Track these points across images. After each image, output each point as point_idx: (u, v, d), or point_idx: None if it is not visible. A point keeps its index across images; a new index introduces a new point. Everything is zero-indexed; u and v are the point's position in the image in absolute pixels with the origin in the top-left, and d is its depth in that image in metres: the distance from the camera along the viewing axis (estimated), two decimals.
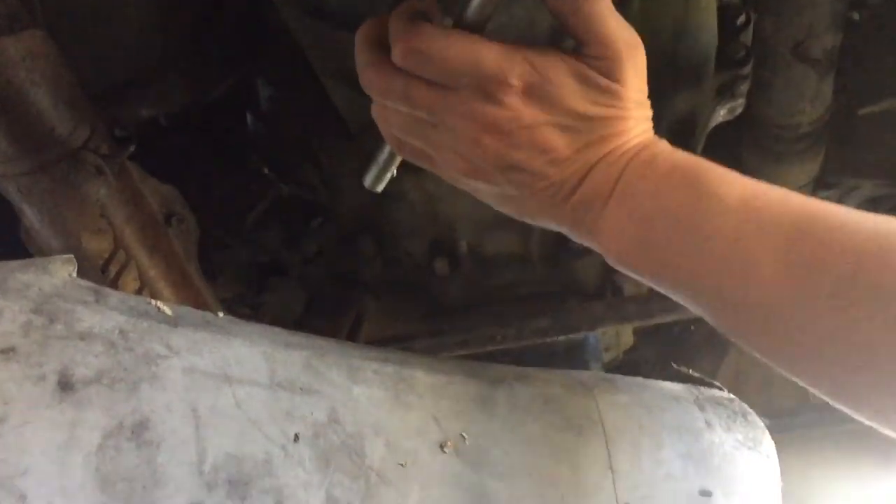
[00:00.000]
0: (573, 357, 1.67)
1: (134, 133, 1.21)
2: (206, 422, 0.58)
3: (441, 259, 1.38)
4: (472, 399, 0.76)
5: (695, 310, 0.67)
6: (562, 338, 1.41)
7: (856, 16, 1.55)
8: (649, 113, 0.71)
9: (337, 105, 1.09)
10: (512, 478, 0.72)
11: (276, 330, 0.72)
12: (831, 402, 0.60)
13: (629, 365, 2.07)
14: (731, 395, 0.90)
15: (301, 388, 0.65)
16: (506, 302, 1.51)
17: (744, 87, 1.35)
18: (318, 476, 0.62)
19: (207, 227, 1.30)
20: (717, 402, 0.87)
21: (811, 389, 0.61)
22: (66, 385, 0.54)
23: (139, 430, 0.56)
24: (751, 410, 0.88)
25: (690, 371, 0.94)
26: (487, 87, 0.64)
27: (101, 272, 1.02)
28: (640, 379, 0.89)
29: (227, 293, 1.55)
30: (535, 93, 0.65)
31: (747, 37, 1.36)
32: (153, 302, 0.64)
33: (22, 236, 1.05)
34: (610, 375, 0.88)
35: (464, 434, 0.72)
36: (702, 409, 0.85)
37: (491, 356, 1.41)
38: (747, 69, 1.33)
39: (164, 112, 1.35)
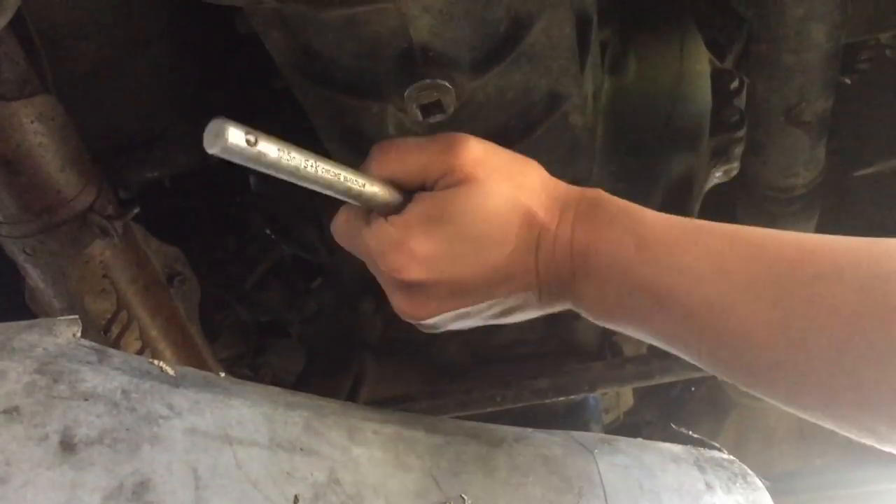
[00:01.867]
0: (574, 418, 1.66)
1: (138, 194, 1.23)
2: (206, 483, 0.58)
3: None
4: (471, 460, 0.75)
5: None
6: (562, 399, 1.41)
7: (847, 80, 1.58)
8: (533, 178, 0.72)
9: None
10: None
11: (277, 390, 0.72)
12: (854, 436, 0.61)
13: (630, 426, 2.06)
14: (732, 457, 0.89)
15: (301, 449, 0.65)
16: (505, 362, 1.50)
17: (738, 150, 1.38)
18: None
19: (209, 288, 1.31)
20: (718, 464, 0.87)
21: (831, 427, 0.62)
22: (67, 446, 0.54)
23: (140, 491, 0.55)
24: (751, 472, 0.87)
25: (690, 432, 0.93)
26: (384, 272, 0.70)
27: (104, 332, 1.02)
28: (639, 440, 0.88)
29: (227, 353, 1.56)
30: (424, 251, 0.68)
31: (741, 101, 1.39)
32: (156, 362, 0.64)
33: (26, 296, 1.06)
34: (609, 437, 0.88)
35: (463, 495, 0.71)
36: (702, 470, 0.84)
37: (491, 417, 1.40)
38: (741, 132, 1.36)
39: (168, 174, 1.37)
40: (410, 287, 0.69)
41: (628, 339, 1.52)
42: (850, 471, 1.82)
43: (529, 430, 0.83)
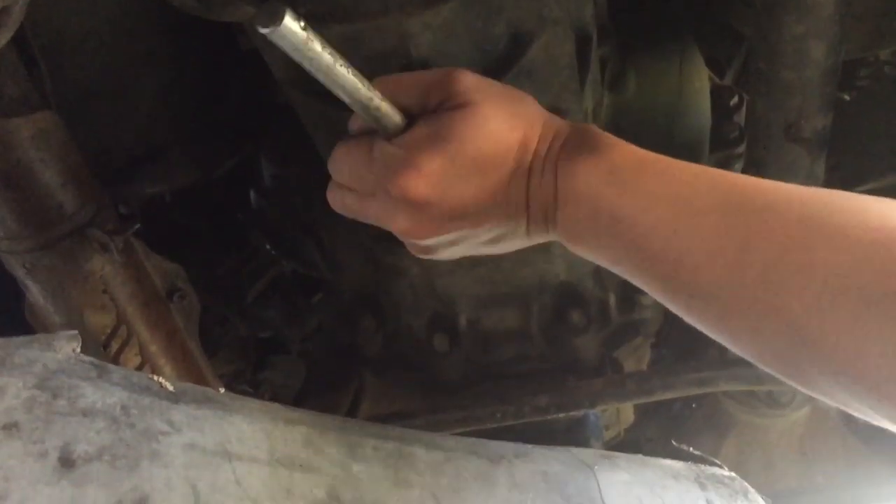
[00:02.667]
0: (574, 435, 1.65)
1: (138, 210, 1.23)
2: (205, 499, 0.58)
3: (440, 335, 1.38)
4: (472, 477, 0.75)
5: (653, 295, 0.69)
6: (562, 415, 1.40)
7: (846, 96, 1.58)
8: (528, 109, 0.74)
9: None
10: None
11: (276, 406, 0.71)
12: (782, 378, 0.61)
13: (630, 443, 2.05)
14: (733, 474, 0.89)
15: (301, 465, 0.65)
16: (505, 378, 1.50)
17: (738, 166, 1.38)
18: None
19: (209, 303, 1.31)
20: (719, 481, 0.86)
21: (760, 366, 0.63)
22: (67, 461, 0.54)
23: None
24: (752, 489, 0.87)
25: (691, 449, 0.93)
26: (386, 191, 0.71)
27: (103, 348, 1.02)
28: (640, 457, 0.88)
29: (227, 369, 1.55)
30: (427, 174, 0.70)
31: (740, 117, 1.39)
32: (155, 378, 0.64)
33: (25, 311, 1.06)
34: (610, 453, 0.87)
35: None
36: (703, 487, 0.84)
37: (491, 434, 1.40)
38: (741, 148, 1.36)
39: (169, 189, 1.37)
40: (414, 205, 0.70)
41: (629, 355, 1.51)
42: (851, 488, 1.82)
43: (529, 446, 0.83)
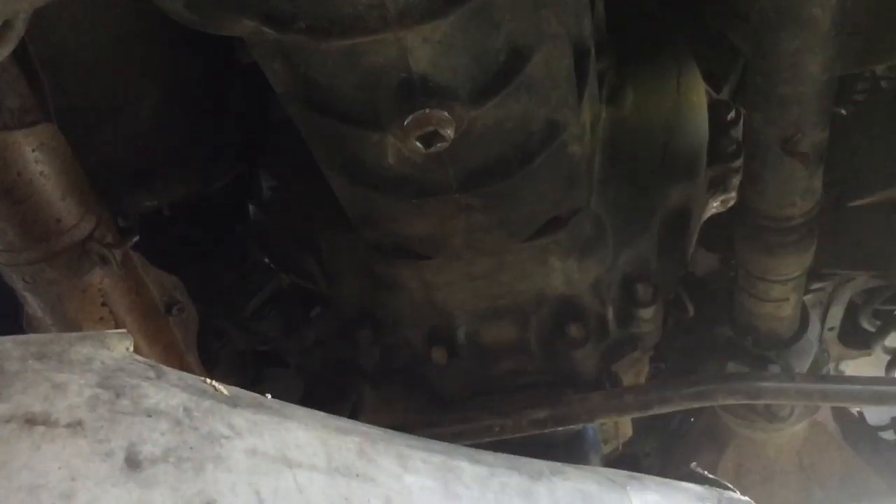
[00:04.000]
0: (572, 449, 1.65)
1: (137, 223, 1.23)
2: None
3: (439, 348, 1.38)
4: (515, 492, 0.75)
5: None
6: (560, 429, 1.40)
7: (843, 111, 1.59)
8: None
9: (339, 197, 1.11)
10: None
11: (324, 415, 0.71)
12: None
13: (629, 457, 2.04)
14: (748, 499, 0.90)
15: (357, 475, 0.65)
16: (504, 392, 1.50)
17: (735, 181, 1.38)
18: None
19: (207, 316, 1.31)
20: None
21: None
22: (133, 462, 0.53)
23: None
24: None
25: (701, 470, 0.94)
26: None
27: None
28: (661, 479, 0.89)
29: (224, 382, 1.55)
30: None
31: (737, 132, 1.40)
32: (209, 381, 0.64)
33: (24, 323, 1.06)
34: (636, 474, 0.88)
35: None
36: None
37: (489, 447, 1.39)
38: (738, 163, 1.37)
39: (168, 203, 1.37)
40: None
41: (628, 369, 1.51)
42: (849, 502, 1.82)
43: (561, 464, 0.84)
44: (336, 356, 1.50)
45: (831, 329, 1.78)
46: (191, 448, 0.56)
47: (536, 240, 1.18)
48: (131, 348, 0.60)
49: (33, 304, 0.99)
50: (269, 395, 0.69)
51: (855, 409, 1.93)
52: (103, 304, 1.01)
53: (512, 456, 0.82)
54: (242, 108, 1.30)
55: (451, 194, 1.02)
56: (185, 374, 0.63)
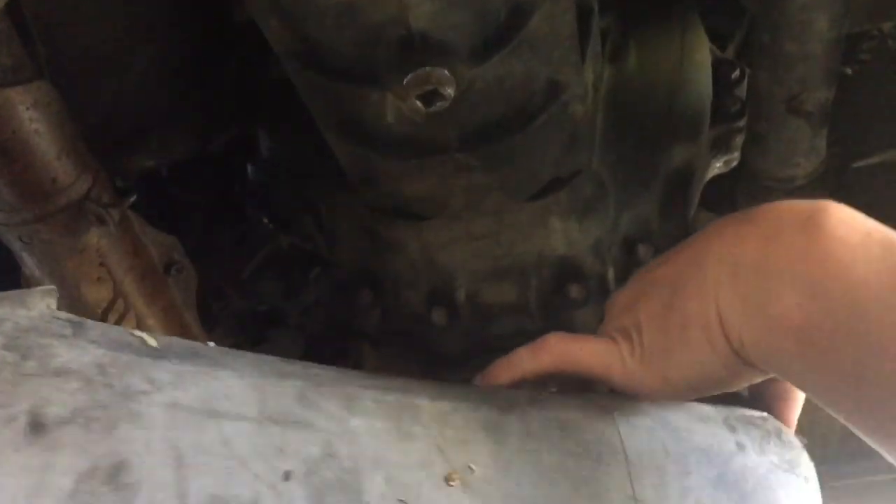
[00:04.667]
0: None
1: (135, 183, 1.22)
2: (188, 461, 0.54)
3: (439, 309, 1.38)
4: (481, 427, 0.69)
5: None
6: None
7: (848, 70, 1.57)
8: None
9: (338, 157, 1.10)
10: None
11: (270, 359, 0.67)
12: None
13: None
14: (764, 414, 0.82)
15: (294, 422, 0.61)
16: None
17: (739, 141, 1.37)
18: None
19: (206, 277, 1.31)
20: (749, 422, 0.79)
21: None
22: (37, 426, 0.50)
23: (116, 473, 0.51)
24: (787, 429, 0.80)
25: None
26: None
27: (100, 321, 1.02)
28: (662, 402, 0.81)
29: (224, 343, 1.55)
30: None
31: (742, 91, 1.38)
32: (137, 333, 0.60)
33: (22, 285, 1.05)
34: (630, 398, 0.81)
35: (471, 465, 0.66)
36: (732, 430, 0.77)
37: None
38: (742, 123, 1.35)
39: (166, 162, 1.36)
40: None
41: None
42: (850, 461, 1.82)
43: (545, 394, 0.79)
44: (336, 317, 1.50)
45: None
46: (102, 407, 0.53)
47: (537, 200, 1.17)
48: (53, 305, 0.57)
49: (30, 265, 0.98)
50: (211, 344, 0.67)
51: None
52: (101, 265, 1.00)
53: (489, 388, 0.78)
54: (240, 66, 1.29)
55: (451, 154, 1.01)
56: (110, 328, 0.59)
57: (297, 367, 0.68)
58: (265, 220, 1.49)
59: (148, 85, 1.16)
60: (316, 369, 0.69)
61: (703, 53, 1.28)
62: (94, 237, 0.99)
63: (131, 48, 1.10)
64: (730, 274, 0.66)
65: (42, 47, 0.90)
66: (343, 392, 0.66)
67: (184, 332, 1.14)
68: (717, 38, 1.43)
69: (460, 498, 0.64)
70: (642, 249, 1.32)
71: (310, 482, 0.59)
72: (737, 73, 1.38)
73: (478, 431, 0.69)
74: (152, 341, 0.60)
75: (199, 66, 1.22)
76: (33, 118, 0.89)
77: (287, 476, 0.58)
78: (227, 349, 0.66)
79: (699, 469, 0.72)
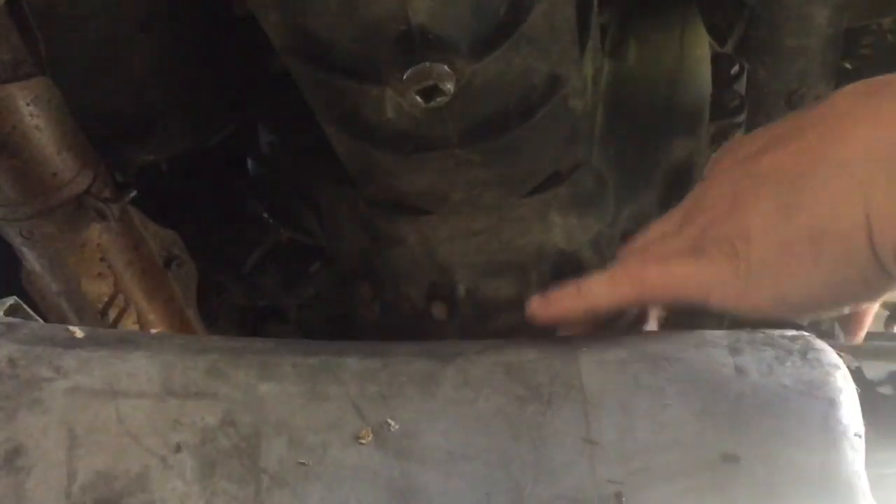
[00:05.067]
0: None
1: (135, 178, 1.23)
2: (81, 441, 0.57)
3: (439, 303, 1.38)
4: (410, 381, 0.64)
5: None
6: None
7: (848, 65, 1.57)
8: None
9: (338, 152, 1.10)
10: (449, 465, 0.61)
11: (205, 338, 0.68)
12: None
13: None
14: (798, 332, 0.69)
15: (195, 394, 0.61)
16: None
17: (738, 135, 1.37)
18: (198, 486, 0.58)
19: (206, 272, 1.31)
20: (765, 343, 0.68)
21: None
22: None
23: (11, 458, 0.55)
24: (821, 346, 0.67)
25: None
26: None
27: (101, 316, 1.02)
28: (663, 332, 0.73)
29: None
30: None
31: (741, 86, 1.38)
32: (70, 328, 0.63)
33: (23, 279, 1.05)
34: (621, 333, 0.73)
35: (389, 421, 0.62)
36: (735, 352, 0.67)
37: None
38: (741, 117, 1.35)
39: (166, 157, 1.36)
40: None
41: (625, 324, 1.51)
42: None
43: (510, 341, 0.71)
44: (336, 311, 1.50)
45: None
46: (6, 397, 0.57)
47: (537, 195, 1.17)
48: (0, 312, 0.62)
49: (31, 259, 0.99)
50: (153, 330, 0.68)
51: (853, 364, 1.93)
52: (102, 260, 1.01)
53: (439, 342, 0.71)
54: (240, 61, 1.29)
55: (451, 149, 1.01)
56: (42, 326, 0.63)
57: (227, 341, 0.67)
58: (265, 215, 1.49)
59: (147, 79, 1.16)
60: (244, 342, 0.67)
61: (702, 48, 1.28)
62: (95, 232, 0.99)
63: (131, 43, 1.10)
64: (886, 168, 0.51)
65: (42, 43, 0.90)
66: (261, 360, 0.64)
67: (184, 327, 1.15)
68: (717, 34, 1.43)
69: (371, 455, 0.61)
70: None
71: (202, 452, 0.59)
72: (736, 68, 1.38)
73: (405, 386, 0.65)
74: (79, 332, 0.63)
75: (199, 60, 1.21)
76: (34, 113, 0.89)
77: (178, 448, 0.59)
78: (167, 334, 0.68)
79: (680, 401, 0.64)
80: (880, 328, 1.82)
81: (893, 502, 0.78)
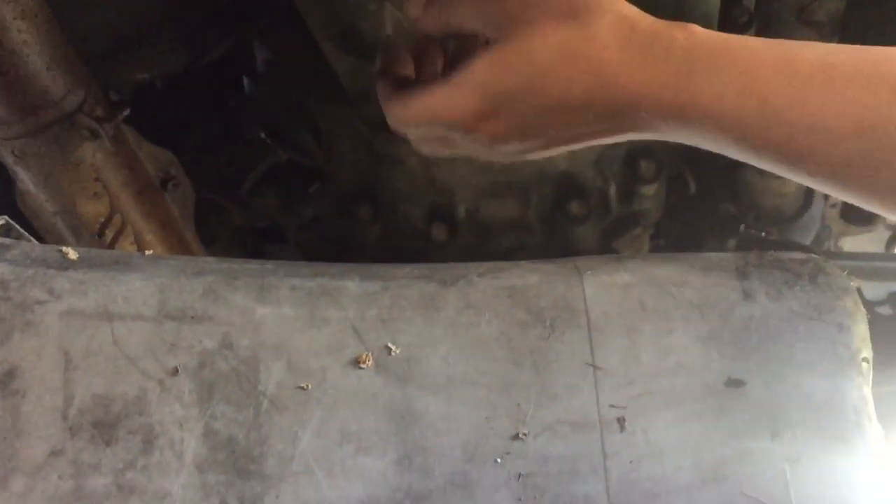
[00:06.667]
0: None
1: (129, 96, 1.20)
2: (76, 364, 0.57)
3: (439, 224, 1.37)
4: (411, 304, 0.64)
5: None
6: None
7: None
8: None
9: (336, 71, 1.07)
10: (450, 389, 0.61)
11: (199, 259, 0.66)
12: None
13: None
14: (809, 255, 0.69)
15: (192, 317, 0.60)
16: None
17: None
18: (196, 410, 0.58)
19: (204, 192, 1.30)
20: (774, 266, 0.67)
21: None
22: None
23: (6, 381, 0.55)
24: (832, 271, 0.67)
25: (763, 234, 0.77)
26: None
27: (98, 236, 1.01)
28: (669, 255, 0.71)
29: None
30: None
31: (750, 1, 1.35)
32: (63, 249, 0.62)
33: (17, 200, 1.04)
34: (625, 256, 0.72)
35: (390, 345, 0.62)
36: (743, 276, 0.66)
37: None
38: (751, 33, 1.32)
39: (160, 75, 1.33)
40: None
41: (628, 246, 1.51)
42: None
43: (511, 263, 0.70)
44: (335, 232, 1.50)
45: (834, 206, 1.77)
46: None
47: None
48: None
49: (25, 180, 0.97)
50: (148, 252, 0.66)
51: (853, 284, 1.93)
52: (96, 180, 0.99)
53: (440, 265, 0.70)
54: None
55: None
56: (34, 247, 0.61)
57: (223, 262, 0.66)
58: (262, 135, 1.47)
59: None
60: (247, 264, 0.66)
61: None
62: (89, 151, 0.97)
63: None
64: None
65: None
66: (259, 283, 0.63)
67: (182, 248, 1.14)
68: None
69: (371, 380, 0.61)
70: (644, 165, 1.31)
71: (200, 375, 0.59)
72: None
73: (406, 309, 0.64)
74: (73, 254, 0.62)
75: None
76: (21, 29, 0.86)
77: (175, 371, 0.59)
78: (161, 256, 0.66)
79: (686, 326, 0.63)
80: (881, 249, 1.82)
81: (893, 419, 0.79)
